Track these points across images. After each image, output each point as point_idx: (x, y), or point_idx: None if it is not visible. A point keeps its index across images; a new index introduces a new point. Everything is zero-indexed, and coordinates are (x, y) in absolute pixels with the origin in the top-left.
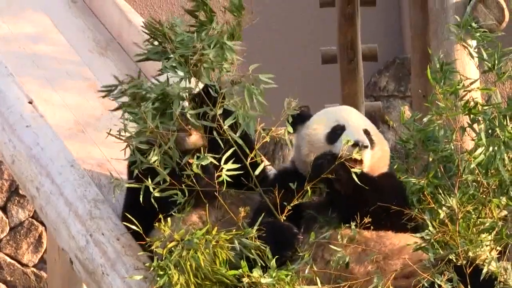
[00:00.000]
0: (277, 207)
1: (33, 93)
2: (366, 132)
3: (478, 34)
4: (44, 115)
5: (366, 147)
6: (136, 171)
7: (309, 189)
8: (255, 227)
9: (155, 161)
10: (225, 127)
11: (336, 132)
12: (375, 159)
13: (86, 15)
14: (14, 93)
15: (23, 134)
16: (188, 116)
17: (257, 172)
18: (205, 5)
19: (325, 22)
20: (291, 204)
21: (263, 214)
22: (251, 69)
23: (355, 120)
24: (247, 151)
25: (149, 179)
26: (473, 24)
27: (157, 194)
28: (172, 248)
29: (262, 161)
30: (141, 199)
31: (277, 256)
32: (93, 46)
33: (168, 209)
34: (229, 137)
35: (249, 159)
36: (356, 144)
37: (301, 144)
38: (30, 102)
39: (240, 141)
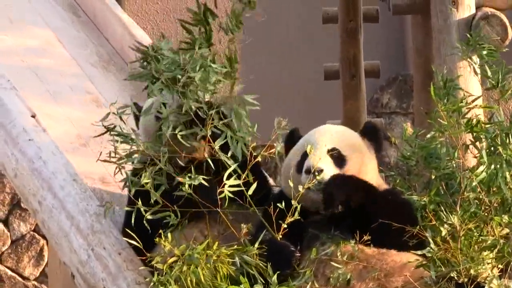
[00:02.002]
0: (278, 225)
1: (36, 107)
2: (334, 150)
3: (484, 51)
4: (47, 128)
5: (320, 171)
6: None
7: (298, 206)
8: (256, 245)
9: (147, 183)
10: (216, 147)
11: (303, 161)
12: (356, 175)
13: (89, 29)
14: (16, 107)
15: (25, 148)
16: (179, 137)
17: (250, 191)
18: (207, 24)
19: (327, 38)
20: (287, 222)
21: (263, 232)
22: (235, 89)
23: (320, 143)
24: (239, 171)
25: (145, 198)
26: (480, 42)
27: (149, 217)
28: (173, 263)
29: (258, 179)
30: (132, 221)
31: (277, 273)
32: (96, 60)
33: (163, 228)
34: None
35: (242, 179)
36: (308, 171)
37: (281, 176)
38: (33, 116)
39: (230, 162)
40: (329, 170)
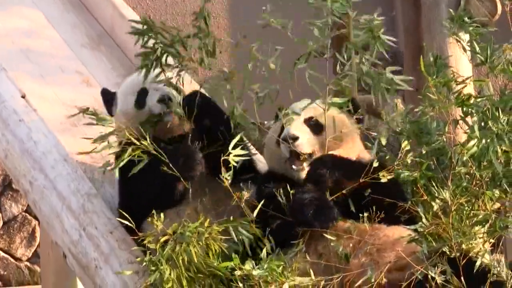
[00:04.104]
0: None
1: (26, 88)
2: (311, 119)
3: (471, 28)
4: (37, 109)
5: (295, 138)
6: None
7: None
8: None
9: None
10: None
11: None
12: (334, 141)
13: (79, 10)
14: (6, 88)
15: (16, 129)
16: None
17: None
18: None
19: (317, 17)
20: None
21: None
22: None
23: (299, 112)
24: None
25: (136, 180)
26: (466, 19)
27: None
28: (165, 243)
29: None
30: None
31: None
32: (86, 41)
33: (164, 203)
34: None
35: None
36: (284, 140)
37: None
38: (23, 97)
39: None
40: (305, 137)
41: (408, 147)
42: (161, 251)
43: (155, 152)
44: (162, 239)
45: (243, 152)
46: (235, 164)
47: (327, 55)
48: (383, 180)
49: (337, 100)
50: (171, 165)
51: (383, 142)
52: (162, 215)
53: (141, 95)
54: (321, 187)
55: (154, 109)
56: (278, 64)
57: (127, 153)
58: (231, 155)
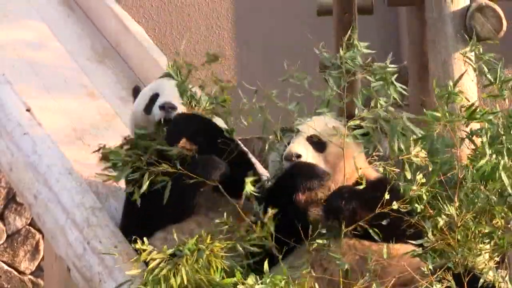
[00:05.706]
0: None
1: (31, 101)
2: (313, 137)
3: (481, 53)
4: (42, 122)
5: (298, 156)
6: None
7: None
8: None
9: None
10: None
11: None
12: (336, 160)
13: (84, 23)
14: (11, 101)
15: (20, 142)
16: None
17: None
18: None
19: (322, 31)
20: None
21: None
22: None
23: (302, 131)
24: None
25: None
26: (479, 49)
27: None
28: (159, 264)
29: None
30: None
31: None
32: (91, 54)
33: (174, 215)
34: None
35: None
36: (287, 158)
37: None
38: (28, 110)
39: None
40: (307, 155)
41: (423, 180)
42: (149, 274)
43: (175, 170)
44: (150, 267)
45: (258, 180)
46: (253, 192)
47: (344, 101)
48: (395, 207)
49: (358, 132)
50: (192, 172)
51: (408, 177)
52: (145, 239)
53: (152, 100)
54: (339, 220)
55: (155, 115)
56: (297, 109)
57: (146, 179)
58: (247, 185)
